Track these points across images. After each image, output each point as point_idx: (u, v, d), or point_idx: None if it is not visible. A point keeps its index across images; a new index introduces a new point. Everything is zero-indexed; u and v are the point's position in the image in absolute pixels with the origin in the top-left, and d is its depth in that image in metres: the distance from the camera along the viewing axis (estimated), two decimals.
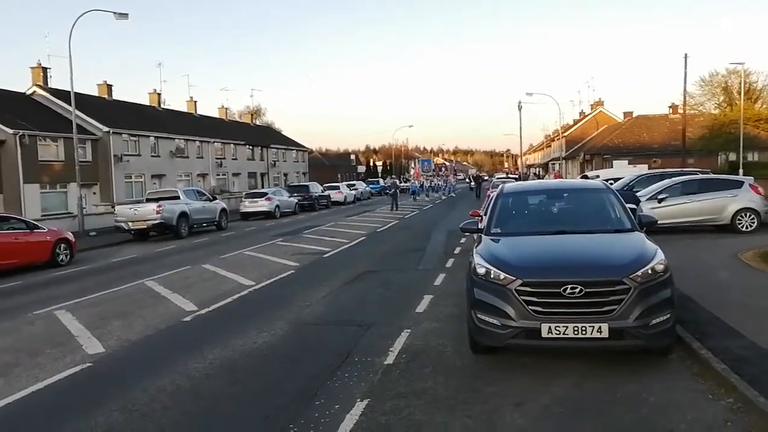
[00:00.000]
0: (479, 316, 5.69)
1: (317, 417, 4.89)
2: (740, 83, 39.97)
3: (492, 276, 5.66)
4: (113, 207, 26.22)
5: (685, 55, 33.48)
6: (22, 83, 64.68)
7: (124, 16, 23.85)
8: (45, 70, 35.59)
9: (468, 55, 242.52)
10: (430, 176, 64.42)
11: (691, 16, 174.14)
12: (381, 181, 65.23)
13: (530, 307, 5.35)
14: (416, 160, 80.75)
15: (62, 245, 16.24)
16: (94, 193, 33.11)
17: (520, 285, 5.42)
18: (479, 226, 7.22)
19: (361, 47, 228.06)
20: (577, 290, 5.22)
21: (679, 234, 14.72)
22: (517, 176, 53.66)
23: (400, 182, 58.66)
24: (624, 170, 27.18)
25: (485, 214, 8.35)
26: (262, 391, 5.60)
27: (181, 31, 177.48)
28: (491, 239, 6.57)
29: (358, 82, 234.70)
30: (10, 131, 28.14)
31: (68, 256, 16.36)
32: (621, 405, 4.84)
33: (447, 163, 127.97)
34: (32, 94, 34.99)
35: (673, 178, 16.95)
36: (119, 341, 7.64)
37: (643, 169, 28.56)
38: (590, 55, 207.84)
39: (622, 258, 5.61)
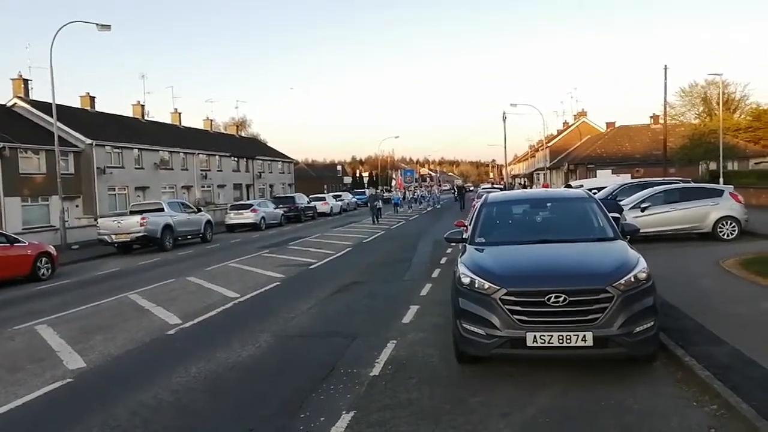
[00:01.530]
0: (464, 325, 5.68)
1: (302, 430, 4.84)
2: (719, 94, 40.73)
3: (476, 285, 5.66)
4: (96, 220, 25.91)
5: (665, 66, 34.03)
6: (3, 95, 64.00)
7: (107, 27, 23.70)
8: (26, 81, 35.22)
9: (452, 67, 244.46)
10: (413, 187, 62.37)
11: (671, 29, 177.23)
12: (367, 191, 64.86)
13: (515, 316, 5.36)
14: (399, 171, 79.05)
15: (43, 259, 16.02)
16: (77, 206, 32.75)
17: (505, 294, 5.43)
18: (463, 236, 7.23)
19: (346, 59, 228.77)
20: (561, 299, 5.24)
21: (661, 242, 14.88)
22: (502, 186, 53.96)
23: (383, 193, 57.70)
24: (607, 180, 27.47)
25: (470, 224, 8.37)
26: (245, 405, 5.53)
27: (165, 43, 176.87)
28: (475, 249, 6.59)
29: (344, 94, 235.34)
30: None
31: (50, 270, 16.13)
32: (606, 413, 4.85)
33: (432, 174, 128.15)
34: (13, 105, 34.59)
35: (656, 188, 17.14)
36: (101, 356, 7.52)
37: (626, 178, 28.89)
38: (573, 67, 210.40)
39: (605, 266, 5.65)
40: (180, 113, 50.53)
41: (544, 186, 51.74)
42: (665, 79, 34.30)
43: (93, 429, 5.11)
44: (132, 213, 22.88)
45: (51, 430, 5.20)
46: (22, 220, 28.64)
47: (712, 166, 37.69)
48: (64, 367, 7.09)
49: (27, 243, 16.19)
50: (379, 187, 69.70)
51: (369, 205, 33.33)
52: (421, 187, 68.83)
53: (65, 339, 8.45)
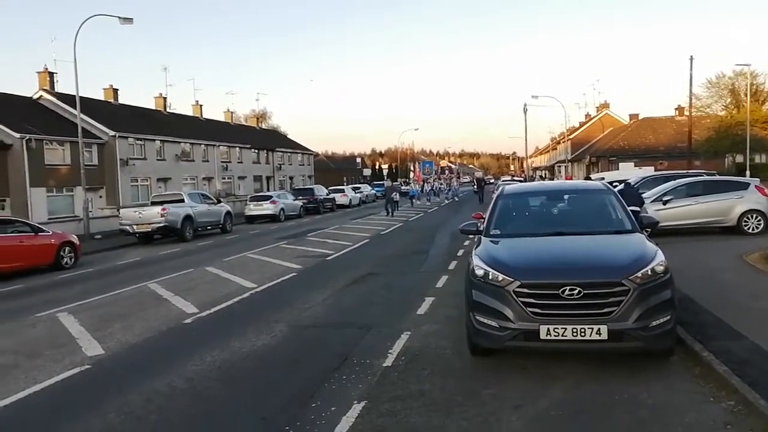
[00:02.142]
0: (478, 318, 5.64)
1: (313, 419, 4.86)
2: (747, 85, 39.76)
3: (490, 277, 5.61)
4: (119, 210, 26.33)
5: (691, 56, 33.37)
6: (29, 88, 65.17)
7: (129, 20, 23.97)
8: (51, 74, 35.86)
9: (474, 58, 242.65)
10: (432, 179, 59.53)
11: (697, 18, 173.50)
12: (385, 183, 64.41)
13: (528, 308, 5.30)
14: (416, 163, 77.10)
15: (66, 248, 16.30)
16: (101, 197, 33.29)
17: (518, 286, 5.38)
18: (479, 228, 7.17)
19: (366, 51, 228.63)
20: (576, 292, 5.17)
21: (684, 236, 14.62)
22: (522, 179, 53.51)
23: (401, 185, 56.59)
24: (629, 173, 27.02)
25: (486, 216, 8.31)
26: (258, 393, 5.57)
27: (187, 36, 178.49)
28: (490, 241, 6.53)
29: (364, 86, 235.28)
30: (17, 135, 28.35)
31: (72, 259, 16.42)
32: (619, 407, 4.78)
33: (452, 166, 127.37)
34: (39, 98, 35.26)
35: (678, 180, 16.83)
36: (119, 343, 7.63)
37: (649, 171, 28.42)
38: (596, 58, 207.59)
39: (622, 259, 5.56)
40: (201, 105, 51.05)
41: (567, 178, 51.17)
42: (691, 70, 33.68)
43: (109, 414, 5.19)
44: (153, 204, 23.17)
45: (68, 415, 5.29)
46: (48, 210, 29.23)
47: (739, 158, 36.95)
48: (82, 353, 7.21)
49: (51, 232, 16.49)
50: (398, 180, 69.17)
51: (385, 197, 32.83)
52: (439, 179, 67.37)
53: (85, 326, 8.60)
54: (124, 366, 6.75)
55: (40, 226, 17.04)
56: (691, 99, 36.55)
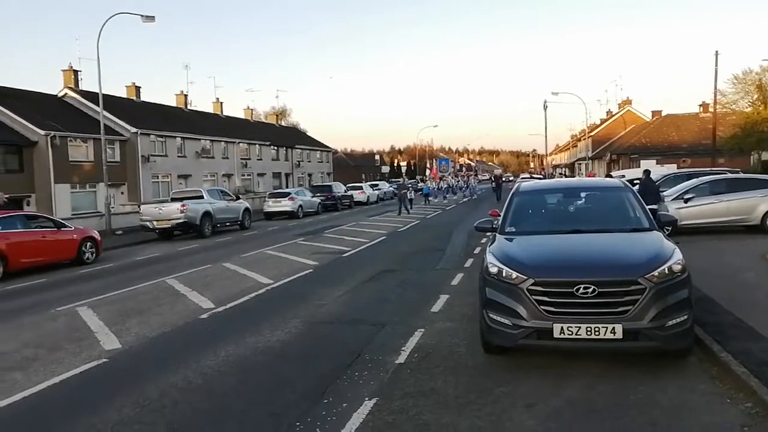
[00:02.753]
0: (491, 315, 5.61)
1: (324, 415, 4.87)
2: None
3: (504, 275, 5.57)
4: (139, 206, 26.69)
5: (716, 52, 32.76)
6: (54, 85, 66.23)
7: (151, 18, 24.27)
8: (76, 72, 36.42)
9: (494, 54, 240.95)
10: (449, 176, 56.91)
11: (723, 12, 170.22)
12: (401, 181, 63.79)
13: (542, 306, 5.26)
14: (434, 160, 75.17)
15: (88, 243, 16.58)
16: (122, 193, 33.76)
17: (532, 284, 5.33)
18: (494, 225, 7.12)
19: (386, 48, 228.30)
20: (590, 290, 5.11)
21: (706, 234, 14.37)
22: (541, 176, 52.93)
23: (418, 182, 54.62)
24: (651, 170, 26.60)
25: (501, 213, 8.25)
26: (271, 389, 5.60)
27: (208, 34, 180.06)
28: (505, 238, 6.49)
29: (383, 83, 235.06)
30: (42, 132, 28.88)
31: (94, 254, 16.69)
32: (633, 407, 4.72)
33: (471, 163, 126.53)
34: (63, 96, 35.86)
35: (701, 178, 16.54)
36: (136, 337, 7.74)
37: (671, 168, 27.99)
38: (618, 54, 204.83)
39: (638, 257, 5.47)
40: (221, 103, 51.45)
41: (589, 176, 50.51)
42: (716, 65, 33.04)
43: (124, 408, 5.26)
44: (173, 200, 23.46)
45: (85, 407, 5.37)
46: (71, 206, 29.73)
47: (765, 156, 36.13)
48: (100, 347, 7.33)
49: (73, 228, 16.79)
50: (417, 177, 68.48)
51: (397, 195, 31.63)
52: (457, 176, 65.84)
53: (104, 320, 8.74)
54: (140, 360, 6.84)
55: (62, 221, 17.35)
56: (715, 95, 35.84)
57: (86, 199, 31.41)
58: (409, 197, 30.91)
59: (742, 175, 17.92)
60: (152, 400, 5.43)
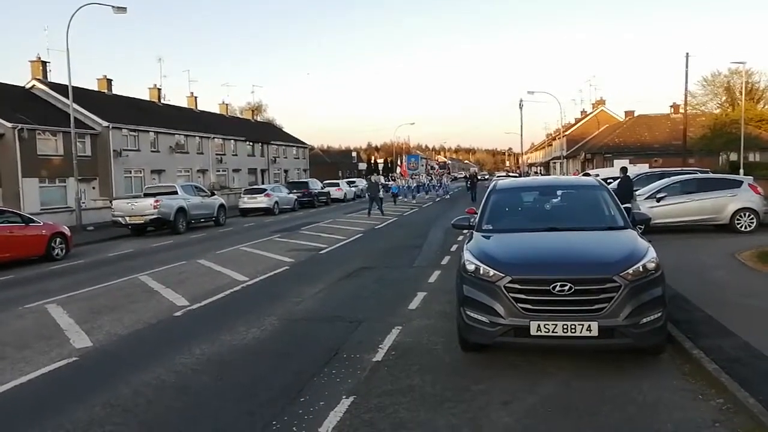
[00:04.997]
0: (468, 313, 5.61)
1: (301, 413, 4.82)
2: (742, 83, 39.83)
3: (481, 273, 5.58)
4: (111, 202, 26.17)
5: (687, 54, 33.36)
6: (22, 77, 64.53)
7: (123, 10, 23.78)
8: (44, 63, 35.54)
9: (471, 54, 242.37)
10: (419, 174, 53.02)
11: (694, 15, 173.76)
12: (372, 178, 62.22)
13: (519, 304, 5.28)
14: (403, 157, 71.11)
15: (58, 239, 16.18)
16: (94, 188, 33.08)
17: (509, 282, 5.35)
18: (471, 223, 7.13)
19: (363, 45, 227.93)
20: (567, 288, 5.15)
21: (677, 233, 14.65)
22: (517, 175, 53.29)
23: (389, 180, 51.76)
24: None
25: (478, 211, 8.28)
26: (247, 387, 5.53)
27: (182, 27, 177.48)
28: (482, 236, 6.50)
29: (361, 80, 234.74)
30: (9, 125, 28.09)
31: (64, 251, 16.30)
32: (609, 404, 4.77)
33: (445, 161, 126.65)
34: (31, 87, 34.94)
35: (672, 177, 16.85)
36: (108, 336, 7.57)
37: (643, 168, 28.46)
38: (592, 54, 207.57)
39: (613, 255, 5.53)
40: (196, 97, 50.73)
41: (574, 174, 50.80)
42: (686, 67, 33.67)
43: (96, 407, 5.14)
44: (146, 195, 23.05)
45: (54, 407, 5.23)
46: (40, 201, 29.00)
47: (733, 157, 37.01)
48: (70, 345, 7.15)
49: (42, 223, 16.37)
50: (390, 174, 67.44)
51: (368, 195, 28.16)
52: (429, 174, 61.58)
53: (74, 318, 8.53)
54: (112, 358, 6.70)
55: (31, 216, 16.91)
56: (686, 96, 36.59)
57: (56, 194, 30.68)
58: (380, 197, 27.96)
59: (711, 175, 18.30)
60: (125, 399, 5.31)
